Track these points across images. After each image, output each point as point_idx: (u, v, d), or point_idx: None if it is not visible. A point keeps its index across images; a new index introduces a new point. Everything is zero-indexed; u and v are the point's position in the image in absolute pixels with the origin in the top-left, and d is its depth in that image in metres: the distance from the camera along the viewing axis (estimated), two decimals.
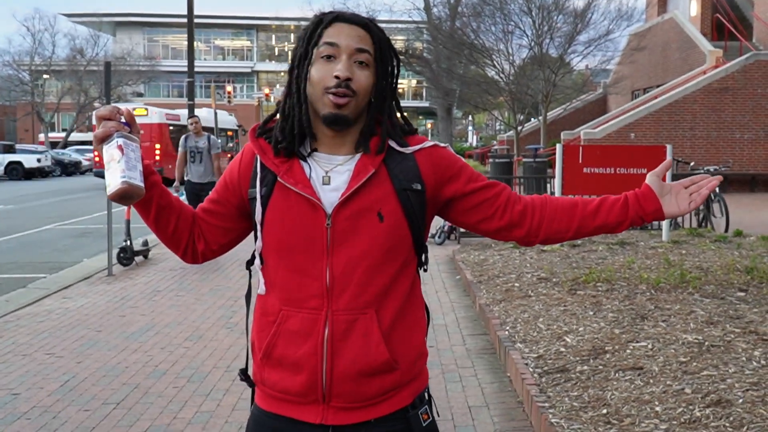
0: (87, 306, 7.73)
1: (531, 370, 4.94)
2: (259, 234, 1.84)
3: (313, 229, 1.76)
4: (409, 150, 1.84)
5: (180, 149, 10.89)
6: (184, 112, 28.19)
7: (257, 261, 1.88)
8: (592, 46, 26.74)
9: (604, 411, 4.12)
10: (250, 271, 1.94)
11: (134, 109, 28.60)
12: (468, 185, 1.88)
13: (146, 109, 28.11)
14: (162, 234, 1.90)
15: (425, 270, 1.93)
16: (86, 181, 34.32)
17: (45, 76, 58.39)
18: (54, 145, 52.40)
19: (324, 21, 1.80)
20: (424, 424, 1.83)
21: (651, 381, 4.50)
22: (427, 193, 1.83)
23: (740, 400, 4.06)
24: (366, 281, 1.76)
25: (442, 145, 1.91)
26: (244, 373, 1.94)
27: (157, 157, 26.44)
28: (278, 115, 1.88)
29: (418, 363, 1.86)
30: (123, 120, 1.75)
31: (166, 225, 1.88)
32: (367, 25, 1.82)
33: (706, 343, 5.12)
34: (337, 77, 1.74)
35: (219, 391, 5.09)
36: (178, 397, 4.98)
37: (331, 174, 1.79)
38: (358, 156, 1.81)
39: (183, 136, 10.98)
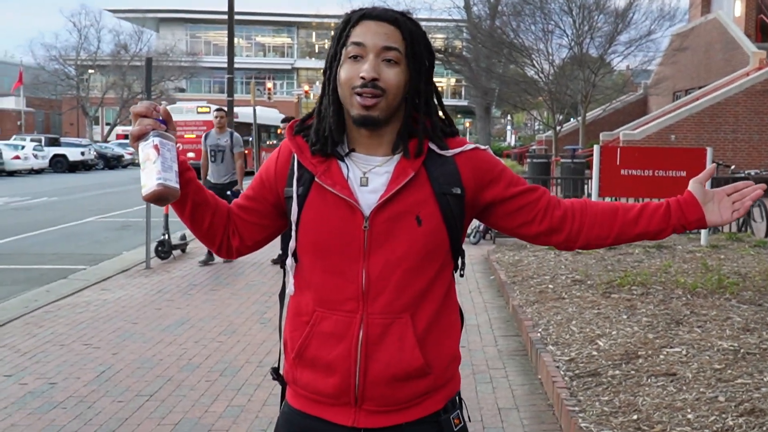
0: (124, 298, 7.86)
1: (562, 373, 4.91)
2: (294, 234, 1.82)
3: (350, 231, 1.74)
4: (449, 153, 1.81)
5: (202, 148, 10.11)
6: (242, 110, 28.99)
7: (290, 260, 1.85)
8: (633, 46, 26.45)
9: (635, 417, 4.09)
10: (284, 269, 1.92)
11: (198, 107, 29.72)
12: (508, 189, 1.86)
13: (209, 107, 29.00)
14: (197, 230, 1.89)
15: (461, 275, 1.90)
16: (128, 175, 34.81)
17: (90, 70, 59.36)
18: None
19: (351, 20, 1.78)
20: (455, 429, 1.81)
21: (684, 388, 4.45)
22: (467, 197, 1.81)
23: None
24: (403, 285, 1.74)
25: (483, 147, 1.88)
26: (276, 372, 1.93)
27: None
28: (314, 116, 1.86)
29: (451, 367, 1.85)
30: (159, 117, 1.73)
31: (201, 221, 1.87)
32: (397, 20, 1.77)
33: (742, 351, 5.05)
34: (362, 78, 1.71)
35: (250, 386, 5.14)
36: (210, 391, 5.04)
37: (369, 175, 1.78)
38: (396, 157, 1.79)
39: (204, 134, 10.24)
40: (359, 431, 1.77)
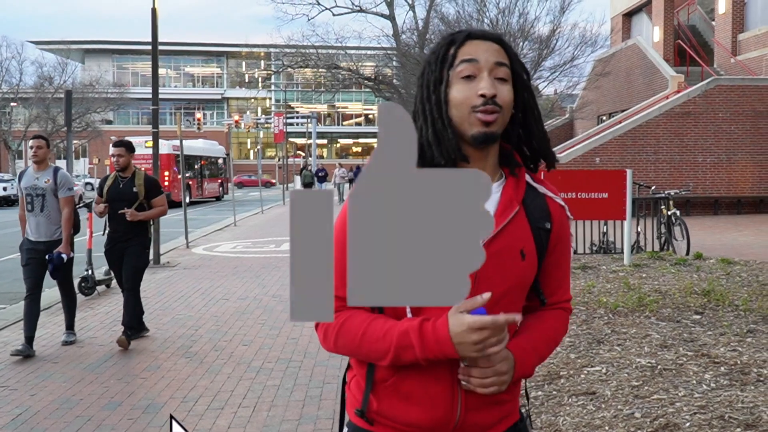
0: (45, 337, 7.64)
1: None
2: None
3: None
4: (541, 189, 1.83)
5: (18, 193, 7.40)
6: (187, 143, 28.90)
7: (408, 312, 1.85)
8: (557, 71, 27.13)
9: None
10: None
11: (146, 142, 29.58)
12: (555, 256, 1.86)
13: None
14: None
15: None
16: None
17: (12, 104, 57.95)
18: None
19: (456, 41, 1.75)
20: None
21: (603, 405, 4.54)
22: (552, 233, 1.82)
23: (687, 424, 4.11)
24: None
25: (570, 216, 1.89)
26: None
27: (166, 184, 29.61)
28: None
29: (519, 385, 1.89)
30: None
31: None
32: (501, 40, 1.78)
33: (659, 367, 5.19)
34: (482, 95, 1.69)
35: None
36: (132, 429, 4.93)
37: None
38: (500, 183, 1.80)
39: (20, 172, 7.40)
40: None
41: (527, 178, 1.82)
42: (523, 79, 1.78)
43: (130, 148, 7.39)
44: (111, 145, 7.44)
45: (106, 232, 7.48)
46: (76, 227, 7.23)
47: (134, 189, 7.23)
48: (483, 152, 1.76)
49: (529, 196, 1.79)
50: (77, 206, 8.49)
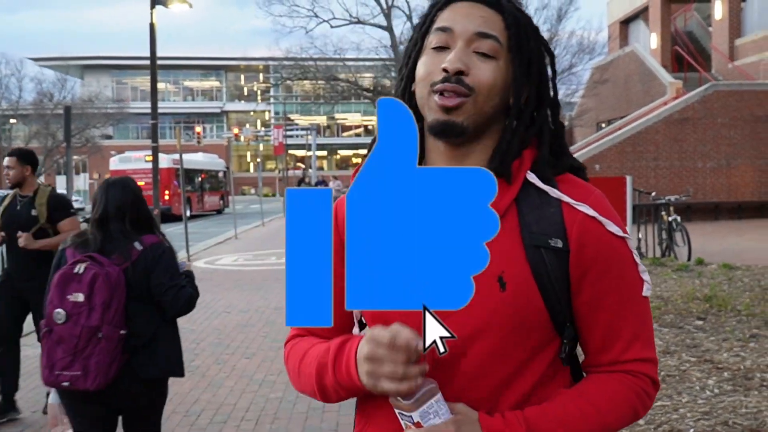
0: None
1: None
2: None
3: None
4: (555, 193, 1.33)
5: None
6: (187, 157, 28.97)
7: (356, 329, 1.46)
8: (555, 79, 27.21)
9: None
10: None
11: (146, 156, 29.58)
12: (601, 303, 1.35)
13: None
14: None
15: (563, 358, 1.37)
16: None
17: (12, 120, 58.13)
18: None
19: (439, 2, 1.40)
20: None
21: None
22: (572, 254, 1.31)
23: (692, 430, 4.09)
24: (480, 371, 1.30)
25: (618, 233, 1.33)
26: None
27: (167, 197, 30.00)
28: None
29: None
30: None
31: None
32: (498, 3, 1.37)
33: (662, 373, 5.17)
34: (444, 70, 1.31)
35: None
36: None
37: None
38: None
39: None
40: None
41: (532, 177, 1.34)
42: (524, 62, 1.38)
43: (25, 158, 5.49)
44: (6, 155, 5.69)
45: (4, 268, 5.71)
46: None
47: (33, 212, 5.36)
48: (456, 150, 1.36)
49: (529, 202, 1.32)
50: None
